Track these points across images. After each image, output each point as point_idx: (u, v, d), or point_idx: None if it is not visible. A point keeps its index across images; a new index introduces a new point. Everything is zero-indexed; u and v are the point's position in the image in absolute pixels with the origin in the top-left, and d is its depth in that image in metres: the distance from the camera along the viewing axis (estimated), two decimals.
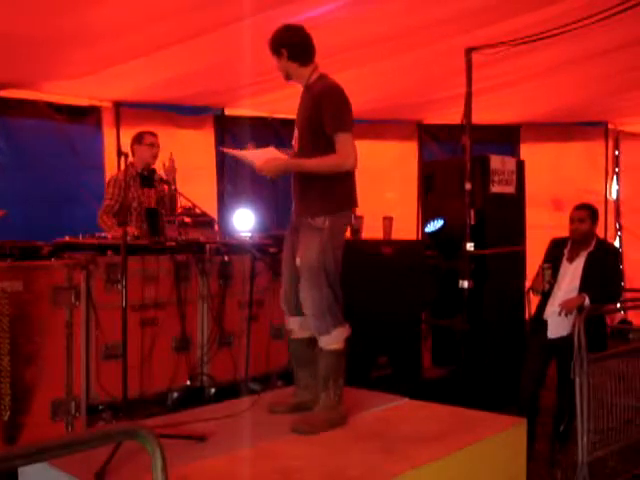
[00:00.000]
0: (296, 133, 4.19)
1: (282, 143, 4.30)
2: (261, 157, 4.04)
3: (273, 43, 4.14)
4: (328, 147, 3.99)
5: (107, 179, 5.78)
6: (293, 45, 4.11)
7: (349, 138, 3.99)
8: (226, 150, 4.34)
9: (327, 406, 4.04)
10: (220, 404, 4.58)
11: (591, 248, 5.51)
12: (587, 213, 5.55)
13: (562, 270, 5.56)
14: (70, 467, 3.22)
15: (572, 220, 5.57)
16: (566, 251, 5.61)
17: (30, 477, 3.38)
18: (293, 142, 4.21)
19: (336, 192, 4.09)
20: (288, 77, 4.20)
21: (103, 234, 5.02)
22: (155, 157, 5.68)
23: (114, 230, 5.22)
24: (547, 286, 5.50)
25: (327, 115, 3.98)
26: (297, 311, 4.19)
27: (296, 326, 4.26)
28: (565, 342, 5.09)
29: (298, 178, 4.13)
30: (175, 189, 5.28)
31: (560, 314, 5.29)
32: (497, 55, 5.99)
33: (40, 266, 4.24)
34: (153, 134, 5.83)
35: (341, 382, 4.09)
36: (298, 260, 4.03)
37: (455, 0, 5.27)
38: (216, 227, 5.74)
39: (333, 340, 4.04)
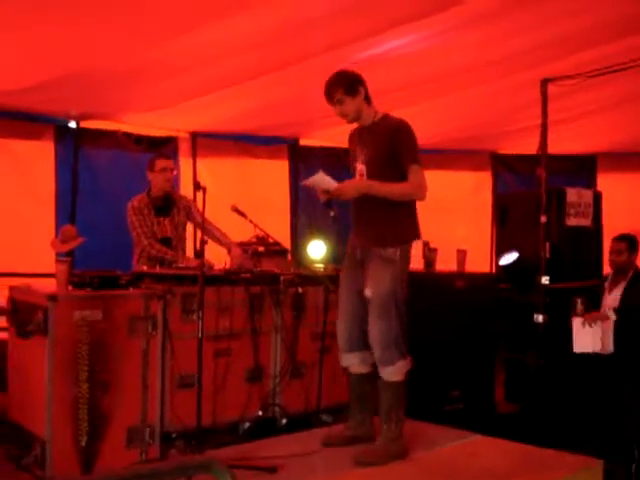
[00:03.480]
0: (361, 168, 4.19)
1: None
2: (322, 180, 4.05)
3: (350, 82, 4.10)
4: (398, 179, 4.06)
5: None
6: (365, 84, 4.15)
7: (421, 170, 4.07)
8: (304, 183, 4.31)
9: (389, 438, 4.07)
10: (291, 435, 4.60)
11: (628, 279, 5.52)
12: (625, 244, 5.59)
13: (603, 302, 5.59)
14: None
15: (610, 252, 5.62)
16: (607, 284, 5.65)
17: None
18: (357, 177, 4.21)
19: (405, 223, 4.16)
20: (357, 117, 4.19)
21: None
22: (169, 181, 5.50)
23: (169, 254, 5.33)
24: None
25: (404, 147, 4.05)
26: (358, 346, 4.21)
27: (356, 361, 4.28)
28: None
29: (366, 208, 4.14)
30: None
31: (584, 325, 5.23)
32: (573, 86, 5.92)
33: (118, 295, 4.33)
34: (166, 157, 5.67)
35: (402, 414, 4.11)
36: (369, 291, 4.04)
37: (530, 32, 5.25)
38: (289, 257, 5.78)
39: (396, 372, 4.08)
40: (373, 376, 4.26)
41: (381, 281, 4.04)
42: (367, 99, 4.17)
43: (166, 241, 5.47)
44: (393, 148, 4.07)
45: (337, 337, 4.34)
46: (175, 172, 5.63)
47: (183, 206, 5.59)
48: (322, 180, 4.07)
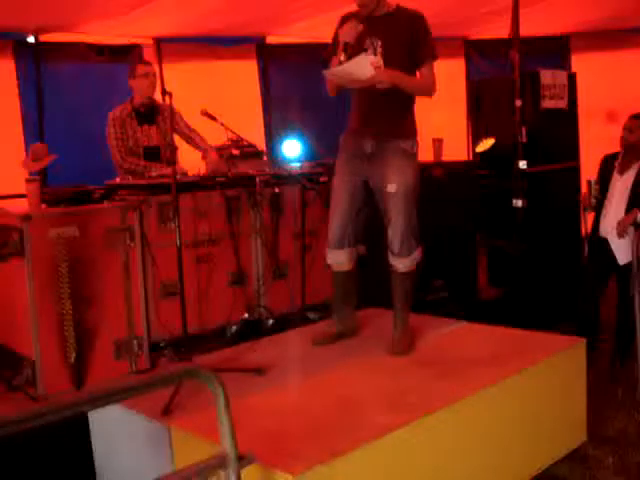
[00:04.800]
0: (377, 59, 4.01)
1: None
2: (363, 66, 3.87)
3: None
4: (411, 72, 4.05)
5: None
6: None
7: (434, 67, 4.09)
8: (326, 72, 4.04)
9: (408, 326, 4.22)
10: (277, 335, 4.64)
11: None
12: (637, 123, 5.37)
13: (612, 183, 5.45)
14: (137, 405, 3.30)
15: (623, 129, 5.44)
16: (617, 164, 5.48)
17: (100, 415, 3.48)
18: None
19: (414, 117, 4.20)
20: (375, 6, 4.02)
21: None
22: (153, 86, 5.32)
23: (147, 169, 5.16)
24: (594, 201, 5.44)
25: (424, 42, 4.06)
26: (348, 242, 4.21)
27: (345, 258, 4.27)
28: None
29: (383, 99, 4.03)
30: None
31: (619, 237, 5.17)
32: None
33: (93, 210, 4.27)
34: (147, 63, 5.55)
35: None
36: (393, 187, 4.00)
37: None
38: (265, 158, 5.70)
39: (413, 262, 4.16)
40: (356, 272, 4.31)
41: (405, 175, 4.04)
42: None
43: (153, 150, 5.37)
44: (413, 41, 4.01)
45: (328, 232, 4.28)
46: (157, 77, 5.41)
47: (168, 114, 5.47)
48: (363, 63, 3.85)
